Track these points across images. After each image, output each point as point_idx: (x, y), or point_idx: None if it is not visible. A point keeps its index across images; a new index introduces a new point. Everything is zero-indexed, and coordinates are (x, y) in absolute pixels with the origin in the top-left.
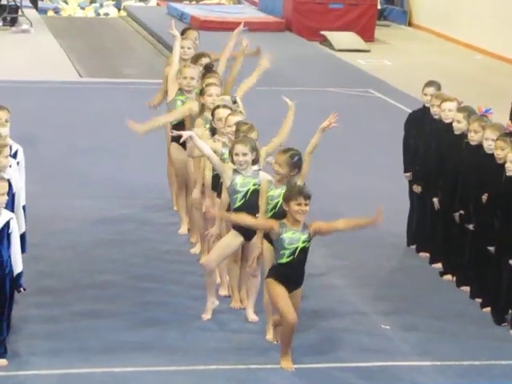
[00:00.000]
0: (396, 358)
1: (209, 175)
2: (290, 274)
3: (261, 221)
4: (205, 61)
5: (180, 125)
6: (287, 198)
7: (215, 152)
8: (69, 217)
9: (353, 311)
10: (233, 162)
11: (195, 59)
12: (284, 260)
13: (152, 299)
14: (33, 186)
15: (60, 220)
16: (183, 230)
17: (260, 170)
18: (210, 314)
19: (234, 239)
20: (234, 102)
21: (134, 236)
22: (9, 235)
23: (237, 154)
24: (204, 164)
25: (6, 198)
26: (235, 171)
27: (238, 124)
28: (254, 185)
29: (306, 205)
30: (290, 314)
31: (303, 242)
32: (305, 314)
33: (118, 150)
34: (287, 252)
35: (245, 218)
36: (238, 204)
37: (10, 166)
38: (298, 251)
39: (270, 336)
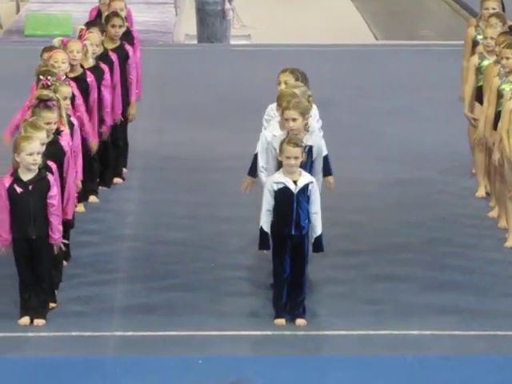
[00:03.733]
0: None
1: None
2: None
3: None
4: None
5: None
6: None
7: None
8: (365, 179)
9: None
10: None
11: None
12: None
13: (449, 263)
14: (328, 149)
15: (356, 182)
16: (480, 193)
17: None
18: None
19: None
20: None
21: (431, 199)
22: (308, 198)
23: None
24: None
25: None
26: None
27: None
28: None
29: None
30: None
31: None
32: None
33: (414, 113)
34: None
35: None
36: None
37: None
38: None
39: (501, 224)
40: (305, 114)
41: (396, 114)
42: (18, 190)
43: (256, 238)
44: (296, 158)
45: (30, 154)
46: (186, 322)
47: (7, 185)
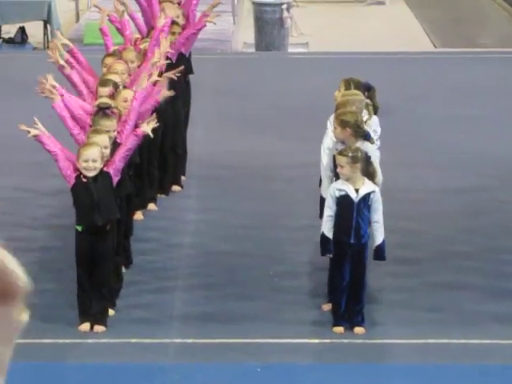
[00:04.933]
0: None
1: None
2: None
3: None
4: None
5: None
6: None
7: None
8: (423, 187)
9: None
10: None
11: None
12: None
13: (510, 271)
14: (386, 156)
15: (414, 190)
16: None
17: None
18: None
19: None
20: None
21: (490, 207)
22: (369, 207)
23: None
24: None
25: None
26: None
27: None
28: None
29: None
30: None
31: None
32: None
33: (473, 120)
34: None
35: None
36: None
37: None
38: None
39: None
40: (344, 125)
41: (455, 122)
42: (84, 179)
43: (316, 247)
44: (341, 166)
45: (85, 161)
46: (245, 330)
47: (75, 174)
